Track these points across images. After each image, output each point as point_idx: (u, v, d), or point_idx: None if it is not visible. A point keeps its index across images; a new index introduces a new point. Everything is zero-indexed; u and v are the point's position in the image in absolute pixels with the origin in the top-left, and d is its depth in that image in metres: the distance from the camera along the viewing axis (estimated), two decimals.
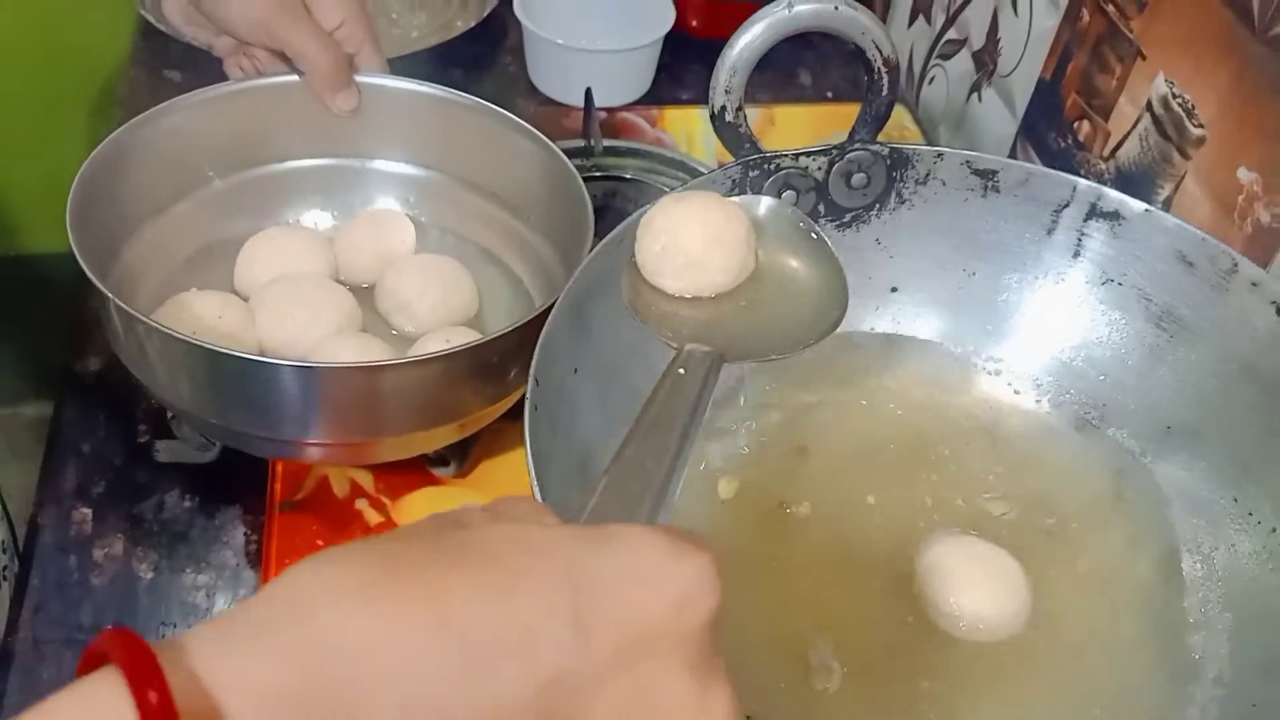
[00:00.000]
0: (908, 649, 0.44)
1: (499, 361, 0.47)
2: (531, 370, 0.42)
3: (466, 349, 0.46)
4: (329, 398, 0.46)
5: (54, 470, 0.59)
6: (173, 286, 0.56)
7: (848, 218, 0.53)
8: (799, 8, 0.47)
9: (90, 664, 0.20)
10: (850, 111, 0.81)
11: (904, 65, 0.89)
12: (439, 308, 0.55)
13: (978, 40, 0.80)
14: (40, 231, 1.24)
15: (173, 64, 0.82)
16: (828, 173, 0.51)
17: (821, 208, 0.52)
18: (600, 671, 0.22)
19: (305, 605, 0.21)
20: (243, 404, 0.47)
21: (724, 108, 0.49)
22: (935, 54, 0.86)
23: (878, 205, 0.52)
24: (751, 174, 0.50)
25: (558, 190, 0.55)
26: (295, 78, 0.57)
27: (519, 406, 0.57)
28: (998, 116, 0.78)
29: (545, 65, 0.82)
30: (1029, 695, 0.43)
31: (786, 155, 0.50)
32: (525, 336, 0.46)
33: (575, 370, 0.45)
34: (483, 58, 0.87)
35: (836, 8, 0.47)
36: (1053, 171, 0.50)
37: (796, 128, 0.79)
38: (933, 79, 0.86)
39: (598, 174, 0.68)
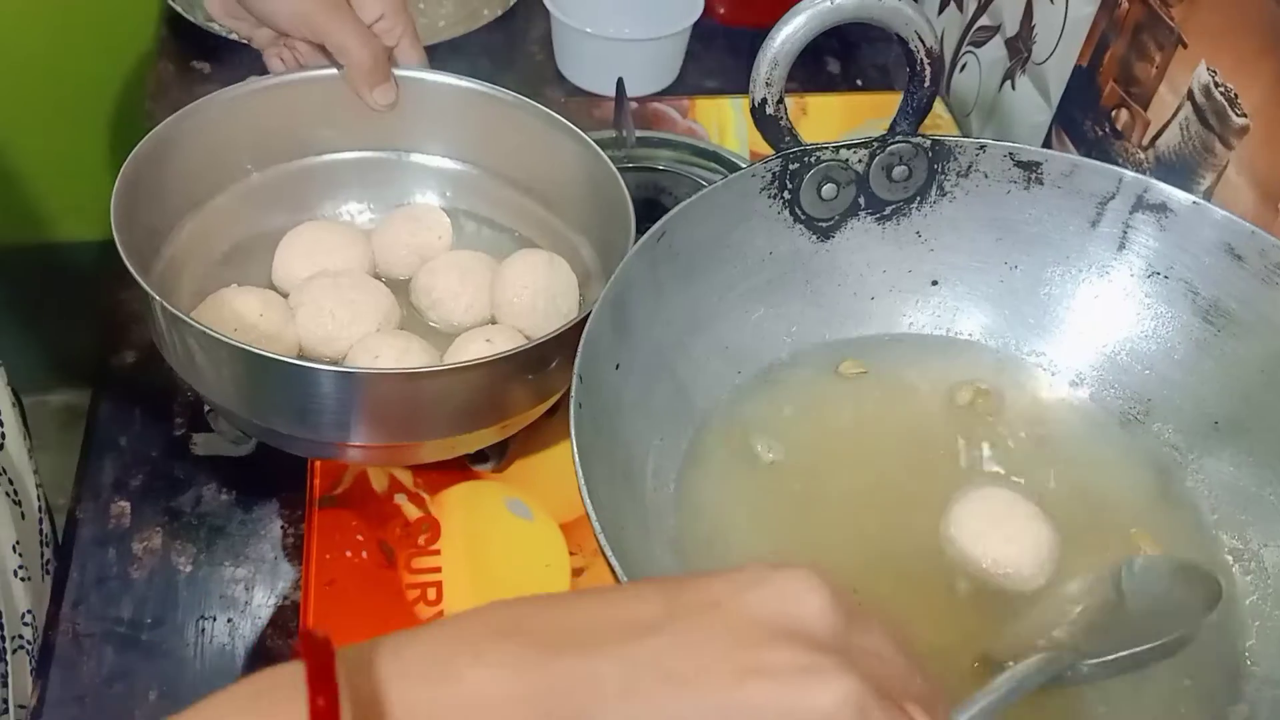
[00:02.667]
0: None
1: (542, 364, 0.47)
2: (576, 367, 0.42)
3: (510, 355, 0.45)
4: (371, 402, 0.46)
5: (92, 463, 0.59)
6: (212, 280, 0.56)
7: (888, 210, 0.52)
8: None
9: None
10: (880, 100, 0.81)
11: None
12: (474, 306, 0.55)
13: (1011, 27, 0.79)
14: (63, 219, 1.24)
15: (201, 55, 0.82)
16: (868, 165, 0.50)
17: (862, 200, 0.52)
18: None
19: (469, 646, 0.24)
20: (285, 406, 0.47)
21: (764, 100, 0.48)
22: (967, 41, 0.85)
23: (919, 198, 0.52)
24: (792, 167, 0.50)
25: (595, 186, 0.55)
26: (334, 71, 0.56)
27: (557, 403, 0.57)
28: (1032, 105, 0.77)
29: (574, 54, 0.81)
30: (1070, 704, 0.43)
31: (827, 148, 0.50)
32: (566, 339, 0.45)
33: (617, 366, 0.45)
34: (509, 47, 0.86)
35: None
36: (1098, 163, 0.50)
37: (830, 117, 0.78)
38: (964, 66, 0.85)
39: (630, 165, 0.67)
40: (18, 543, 0.52)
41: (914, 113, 0.50)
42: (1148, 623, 0.42)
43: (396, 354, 0.50)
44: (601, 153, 0.54)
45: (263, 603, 0.54)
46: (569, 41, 0.81)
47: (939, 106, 0.80)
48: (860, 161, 0.50)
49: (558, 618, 0.24)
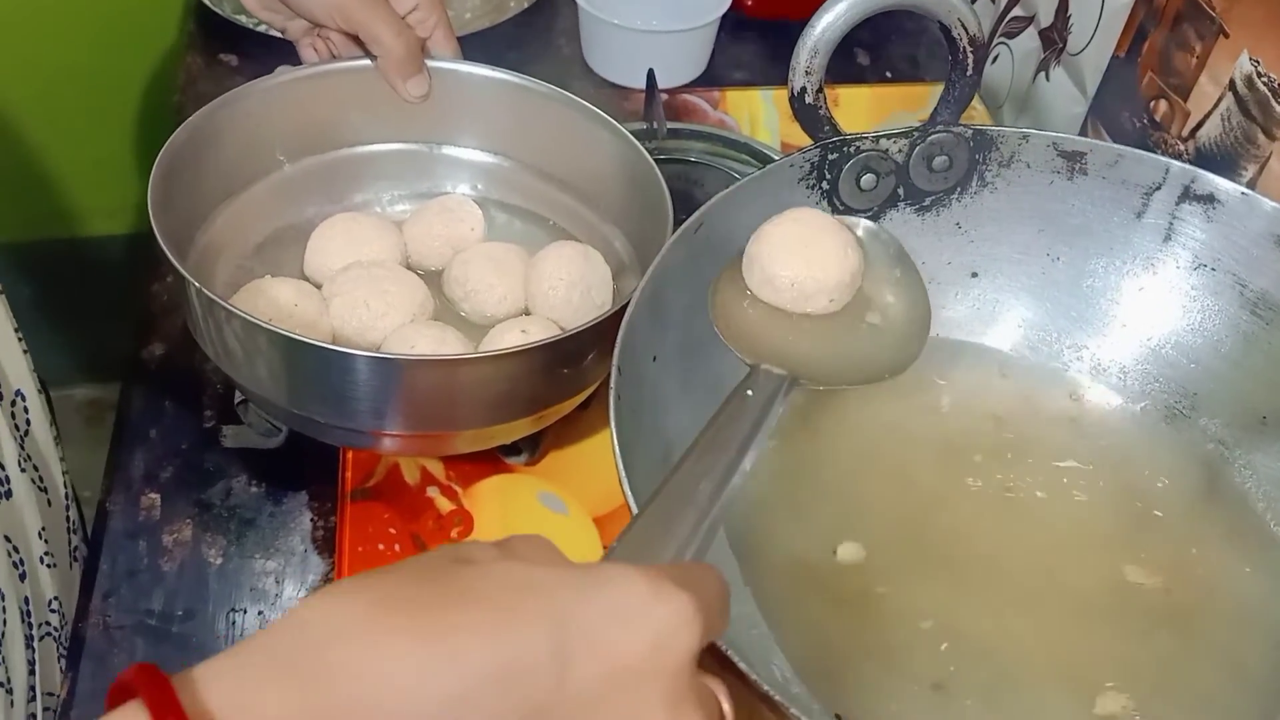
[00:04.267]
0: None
1: (578, 355, 0.47)
2: (614, 358, 0.41)
3: (548, 344, 0.45)
4: (408, 389, 0.46)
5: (122, 455, 0.59)
6: (245, 271, 0.56)
7: (927, 201, 0.51)
8: None
9: (117, 697, 0.22)
10: (911, 92, 0.81)
11: None
12: (508, 298, 0.55)
13: (1046, 18, 0.78)
14: (90, 216, 1.25)
15: (229, 47, 0.82)
16: (909, 155, 0.50)
17: (901, 191, 0.51)
18: (581, 706, 0.24)
19: (311, 640, 0.23)
20: (322, 393, 0.47)
21: (804, 89, 0.47)
22: (999, 32, 0.84)
23: (959, 188, 0.51)
24: (830, 157, 0.49)
25: (632, 178, 0.54)
26: (367, 62, 0.56)
27: (591, 396, 0.57)
28: (1067, 95, 0.76)
29: (601, 46, 0.81)
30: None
31: (866, 138, 0.49)
32: (602, 330, 0.45)
33: (654, 359, 0.45)
34: (536, 39, 0.86)
35: None
36: (1144, 153, 0.49)
37: (860, 109, 0.77)
38: (996, 57, 0.84)
39: (661, 157, 0.67)
40: (44, 529, 0.51)
41: (955, 102, 0.49)
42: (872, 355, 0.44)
43: (432, 344, 0.50)
44: (639, 145, 0.54)
45: (293, 596, 0.54)
46: (597, 33, 0.80)
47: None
48: (900, 151, 0.50)
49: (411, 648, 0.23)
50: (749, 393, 0.38)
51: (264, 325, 0.44)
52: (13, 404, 0.50)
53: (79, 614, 0.53)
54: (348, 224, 0.57)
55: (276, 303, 0.51)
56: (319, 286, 0.55)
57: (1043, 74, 0.79)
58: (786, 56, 0.87)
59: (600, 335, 0.45)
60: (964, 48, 0.48)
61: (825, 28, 0.46)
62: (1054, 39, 0.77)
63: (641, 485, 0.38)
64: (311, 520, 0.57)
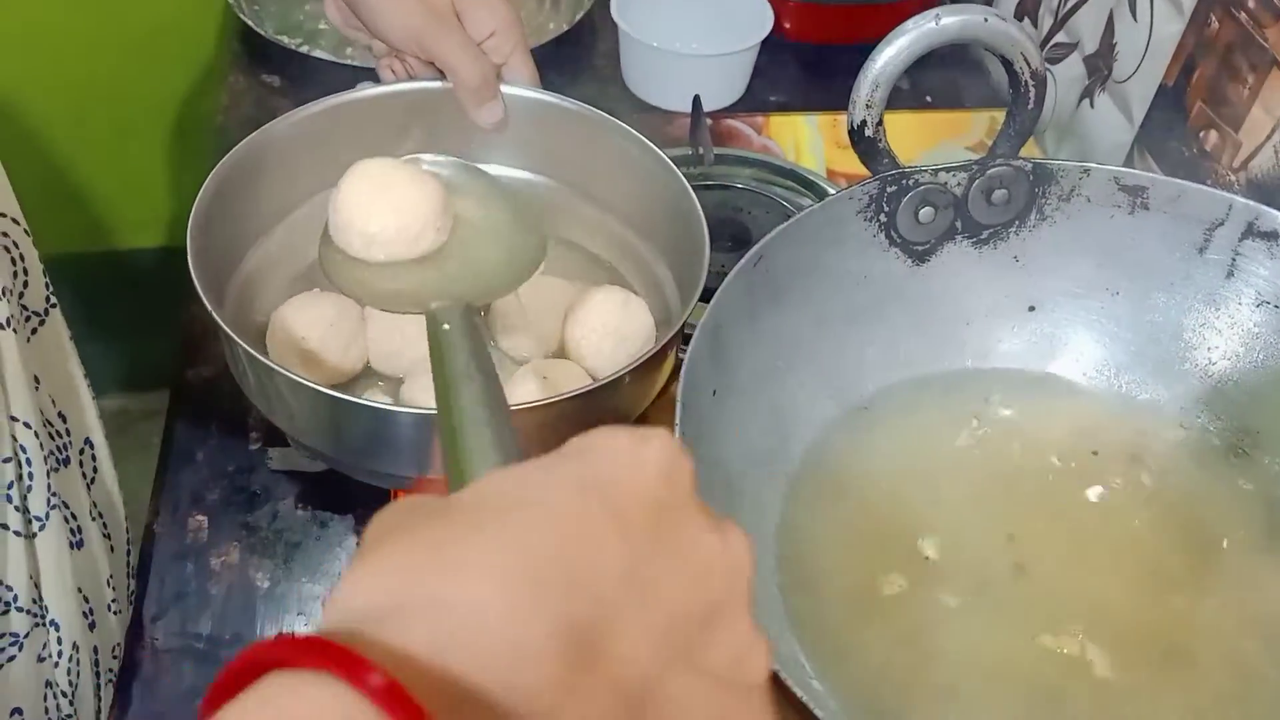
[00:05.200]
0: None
1: (607, 402, 0.47)
2: (679, 394, 0.41)
3: (581, 394, 0.45)
4: (427, 440, 0.46)
5: (169, 477, 0.59)
6: (303, 284, 0.56)
7: (985, 234, 0.51)
8: (946, 20, 0.46)
9: (223, 689, 0.19)
10: (955, 119, 0.80)
11: None
12: (544, 339, 0.55)
13: (1090, 44, 0.78)
14: (122, 230, 1.25)
15: (271, 69, 0.83)
16: (967, 189, 0.49)
17: (959, 224, 0.50)
18: (647, 553, 0.23)
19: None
20: (358, 443, 0.48)
21: (864, 122, 0.47)
22: (1042, 58, 0.83)
23: (1017, 222, 0.51)
24: (889, 190, 0.49)
25: (670, 205, 0.54)
26: (440, 84, 0.56)
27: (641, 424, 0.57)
28: (1113, 123, 0.75)
29: (642, 69, 0.81)
30: None
31: (925, 171, 0.49)
32: (630, 378, 0.45)
33: (714, 393, 0.44)
34: (576, 61, 0.86)
35: (986, 19, 0.46)
36: (1207, 188, 0.48)
37: (904, 137, 0.77)
38: None
39: (707, 184, 0.67)
40: (111, 576, 0.51)
41: (1016, 135, 0.49)
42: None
43: None
44: (675, 169, 0.53)
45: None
46: (637, 56, 0.80)
47: None
48: (959, 185, 0.49)
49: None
50: (445, 327, 0.40)
51: (293, 377, 0.45)
52: (81, 452, 0.50)
53: (129, 637, 0.53)
54: None
55: (313, 320, 0.51)
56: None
57: (1087, 100, 0.79)
58: (825, 80, 0.87)
59: (629, 383, 0.45)
60: (1025, 81, 0.48)
61: (887, 62, 0.46)
62: (1099, 66, 0.77)
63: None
64: (358, 544, 0.56)
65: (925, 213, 0.49)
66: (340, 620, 0.20)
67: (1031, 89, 0.48)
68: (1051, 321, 0.52)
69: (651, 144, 0.55)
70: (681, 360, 0.57)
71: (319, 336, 0.52)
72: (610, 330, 0.53)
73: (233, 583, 0.55)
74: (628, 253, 0.59)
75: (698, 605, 0.23)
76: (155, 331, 1.03)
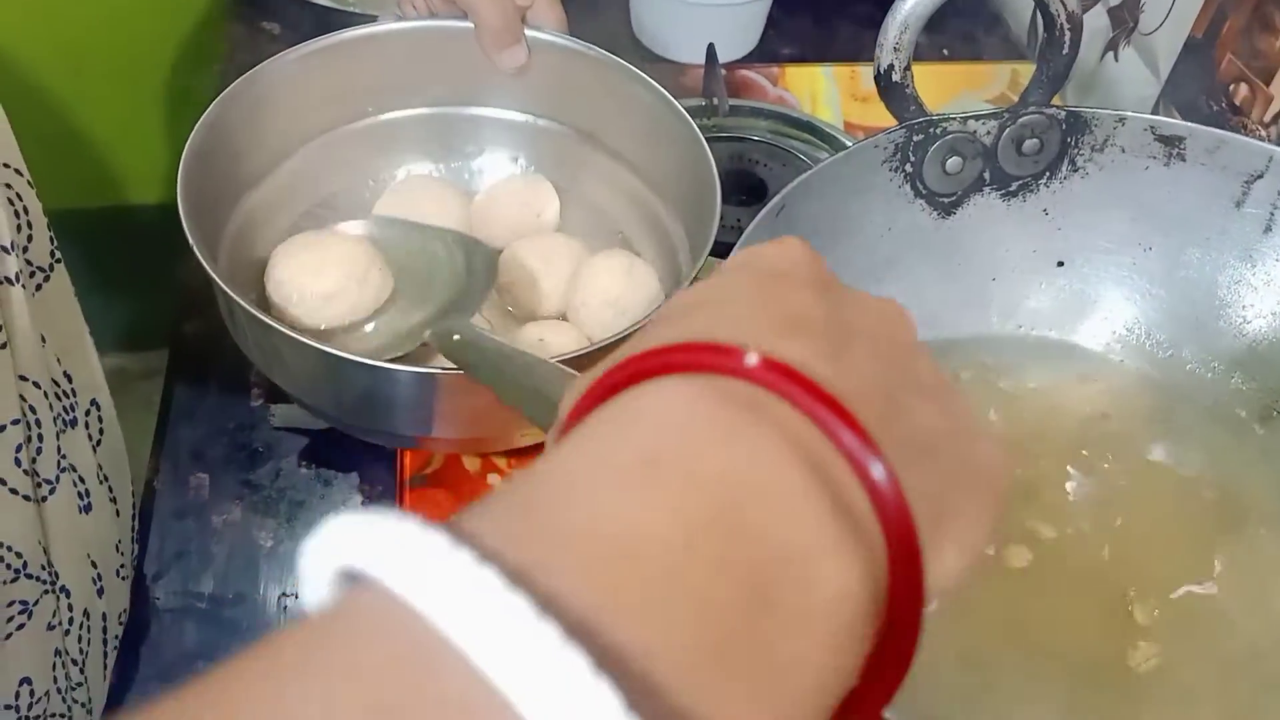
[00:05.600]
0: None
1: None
2: None
3: (574, 358, 0.43)
4: (436, 401, 0.45)
5: (169, 434, 0.58)
6: (307, 223, 0.55)
7: (1014, 186, 0.49)
8: None
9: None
10: (973, 71, 0.78)
11: (1028, 19, 0.84)
12: (550, 298, 0.53)
13: None
14: (118, 184, 1.23)
15: (270, 16, 0.80)
16: (997, 138, 0.47)
17: (987, 175, 0.49)
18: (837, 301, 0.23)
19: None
20: (358, 402, 0.46)
21: (891, 66, 0.45)
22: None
23: (1048, 173, 0.49)
24: (916, 138, 0.47)
25: (683, 156, 0.52)
26: (464, 23, 0.54)
27: None
28: (1138, 77, 0.73)
29: (652, 19, 0.78)
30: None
31: (954, 118, 0.47)
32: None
33: None
34: (583, 11, 0.83)
35: None
36: (1248, 139, 0.46)
37: (923, 88, 0.75)
38: None
39: (722, 135, 0.64)
40: (119, 541, 0.50)
41: (1049, 82, 0.47)
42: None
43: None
44: (689, 118, 0.51)
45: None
46: (647, 6, 0.78)
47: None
48: (989, 133, 0.47)
49: None
50: (455, 337, 0.44)
51: (290, 334, 0.43)
52: (87, 413, 0.48)
53: (131, 597, 0.52)
54: (419, 188, 0.55)
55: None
56: None
57: (1111, 54, 0.76)
58: (839, 32, 0.85)
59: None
60: (1061, 25, 0.45)
61: (916, 3, 0.44)
62: (1124, 18, 0.74)
63: None
64: (362, 503, 0.55)
65: (953, 163, 0.47)
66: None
67: (1067, 33, 0.45)
68: (1080, 277, 0.50)
69: (667, 93, 0.53)
70: None
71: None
72: (612, 299, 0.51)
73: (235, 541, 0.54)
74: (638, 205, 0.58)
75: (899, 338, 0.23)
76: (154, 289, 1.01)
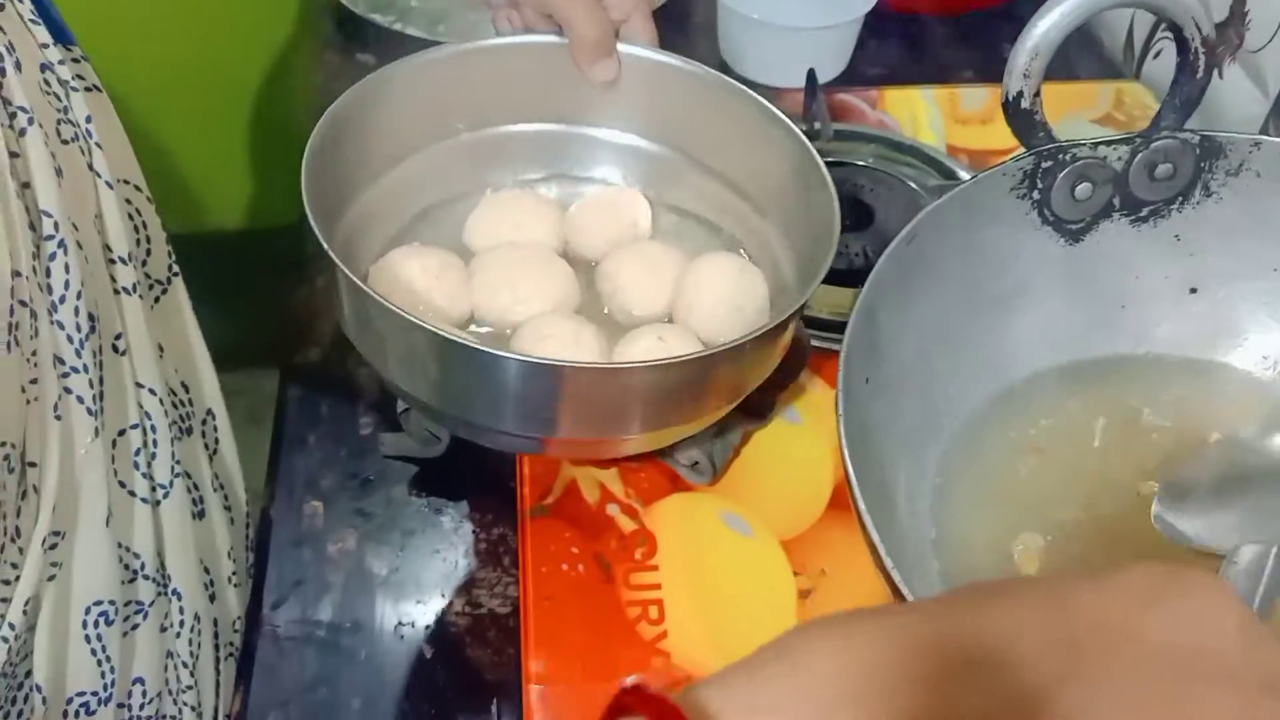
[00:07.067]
0: None
1: (734, 369, 0.45)
2: (840, 382, 0.39)
3: (698, 358, 0.43)
4: (553, 394, 0.44)
5: (283, 461, 0.58)
6: (402, 239, 0.54)
7: (1144, 212, 0.48)
8: None
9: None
10: (1080, 91, 0.76)
11: (1124, 36, 0.83)
12: (656, 301, 0.53)
13: (1219, 12, 0.74)
14: (208, 212, 1.25)
15: (364, 48, 0.81)
16: (1129, 163, 0.47)
17: (1116, 201, 0.48)
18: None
19: (786, 648, 0.22)
20: (467, 393, 0.45)
21: (1020, 93, 0.45)
22: (1163, 26, 0.80)
23: (1180, 198, 0.48)
24: (1044, 165, 0.46)
25: (793, 174, 0.52)
26: (557, 39, 0.54)
27: (770, 412, 0.55)
28: (1244, 95, 0.72)
29: (741, 43, 0.78)
30: None
31: (1084, 144, 0.46)
32: (754, 345, 0.43)
33: (866, 380, 0.42)
34: (671, 36, 0.83)
35: None
36: None
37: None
38: (1159, 53, 0.80)
39: (827, 160, 0.64)
40: (231, 549, 0.51)
41: (1182, 107, 0.46)
42: None
43: (568, 337, 0.48)
44: (804, 138, 0.51)
45: (460, 610, 0.53)
46: (737, 30, 0.78)
47: (1146, 95, 0.75)
48: (1120, 159, 0.47)
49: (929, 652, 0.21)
50: None
51: (412, 319, 0.42)
52: (204, 423, 0.50)
53: (249, 624, 0.53)
54: (513, 201, 0.55)
55: (414, 272, 0.49)
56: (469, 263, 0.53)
57: (1215, 71, 0.75)
58: (928, 52, 0.84)
59: (752, 350, 0.43)
60: (1195, 49, 0.45)
61: (1049, 28, 0.43)
62: (1229, 35, 0.73)
63: (869, 513, 0.36)
64: (474, 532, 0.55)
65: (1082, 189, 0.47)
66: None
67: (1201, 56, 0.45)
68: (1214, 304, 0.49)
69: (776, 109, 0.53)
70: (796, 342, 0.55)
71: (423, 288, 0.50)
72: (725, 297, 0.50)
73: (351, 570, 0.54)
74: (741, 224, 0.57)
75: None
76: (234, 311, 1.03)
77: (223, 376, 0.66)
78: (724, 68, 0.81)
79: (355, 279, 0.43)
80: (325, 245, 0.44)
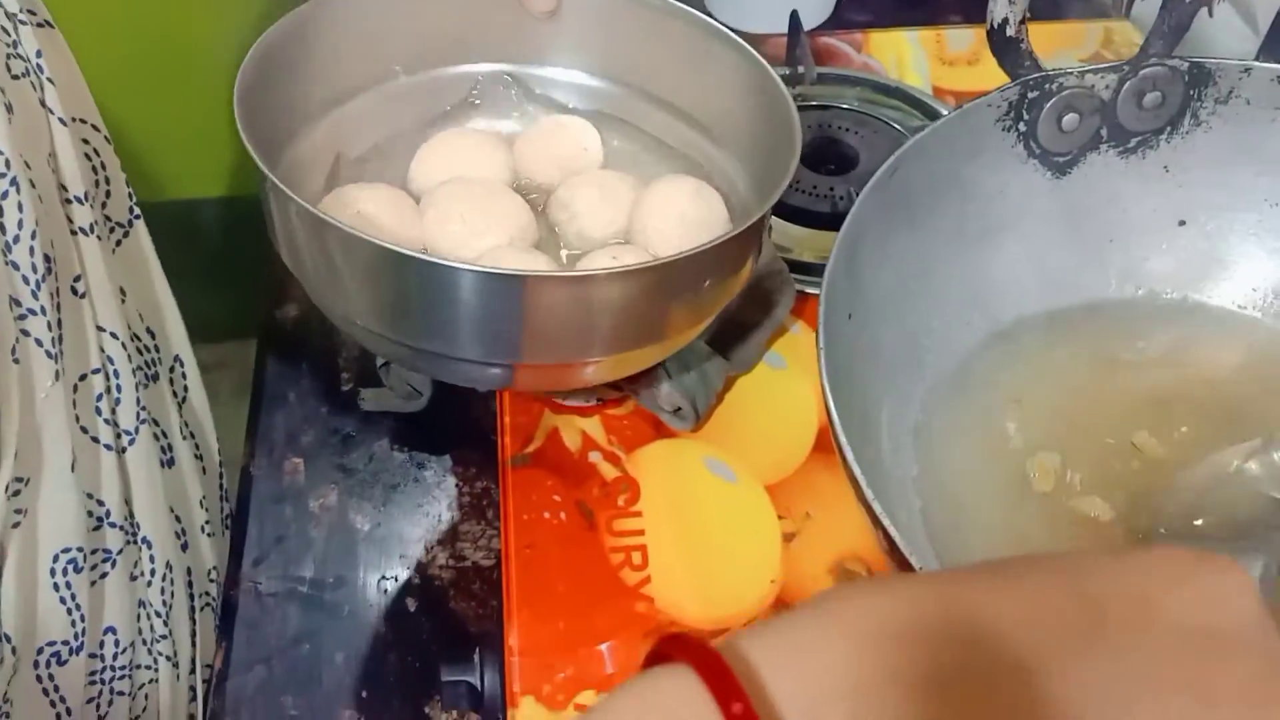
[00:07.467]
0: None
1: (690, 282, 0.43)
2: (820, 316, 0.38)
3: (647, 267, 0.41)
4: (514, 310, 0.42)
5: (263, 419, 0.58)
6: (343, 182, 0.52)
7: (1133, 143, 0.47)
8: None
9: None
10: (1067, 30, 0.75)
11: None
12: (613, 225, 0.51)
13: None
14: (182, 178, 1.24)
15: None
16: (1117, 92, 0.45)
17: (1104, 132, 0.47)
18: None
19: (822, 600, 0.22)
20: (425, 314, 0.42)
21: (1005, 21, 0.43)
22: None
23: (1169, 128, 0.47)
24: (1030, 95, 0.45)
25: (752, 97, 0.50)
26: None
27: (751, 359, 0.54)
28: (1234, 33, 0.70)
29: None
30: None
31: (1071, 73, 0.45)
32: (715, 257, 0.42)
33: (850, 316, 0.41)
34: None
35: None
36: None
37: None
38: None
39: (809, 104, 0.63)
40: (204, 497, 0.50)
41: (1171, 32, 0.45)
42: None
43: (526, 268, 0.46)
44: (769, 67, 0.49)
45: (444, 564, 0.52)
46: None
47: (1136, 34, 0.74)
48: (1108, 88, 0.45)
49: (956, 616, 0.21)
50: None
51: (356, 233, 0.40)
52: (171, 370, 0.49)
53: (229, 581, 0.52)
54: (456, 139, 0.53)
55: (364, 209, 0.48)
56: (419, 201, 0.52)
57: (1205, 9, 0.73)
58: None
59: (715, 263, 0.42)
60: None
61: None
62: None
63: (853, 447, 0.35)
64: (457, 485, 0.55)
65: (1069, 120, 0.46)
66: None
67: None
68: (1203, 236, 0.48)
69: (727, 29, 0.51)
70: (781, 284, 0.54)
71: (370, 219, 0.48)
72: (682, 216, 0.49)
73: (333, 525, 0.54)
74: (698, 151, 0.55)
75: None
76: (220, 282, 1.01)
77: (211, 347, 0.65)
78: (709, 15, 0.79)
79: (304, 203, 0.41)
80: (267, 171, 0.42)
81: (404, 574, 0.52)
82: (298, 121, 0.52)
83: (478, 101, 0.57)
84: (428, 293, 0.41)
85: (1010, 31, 0.44)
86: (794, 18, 0.66)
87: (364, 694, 0.48)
